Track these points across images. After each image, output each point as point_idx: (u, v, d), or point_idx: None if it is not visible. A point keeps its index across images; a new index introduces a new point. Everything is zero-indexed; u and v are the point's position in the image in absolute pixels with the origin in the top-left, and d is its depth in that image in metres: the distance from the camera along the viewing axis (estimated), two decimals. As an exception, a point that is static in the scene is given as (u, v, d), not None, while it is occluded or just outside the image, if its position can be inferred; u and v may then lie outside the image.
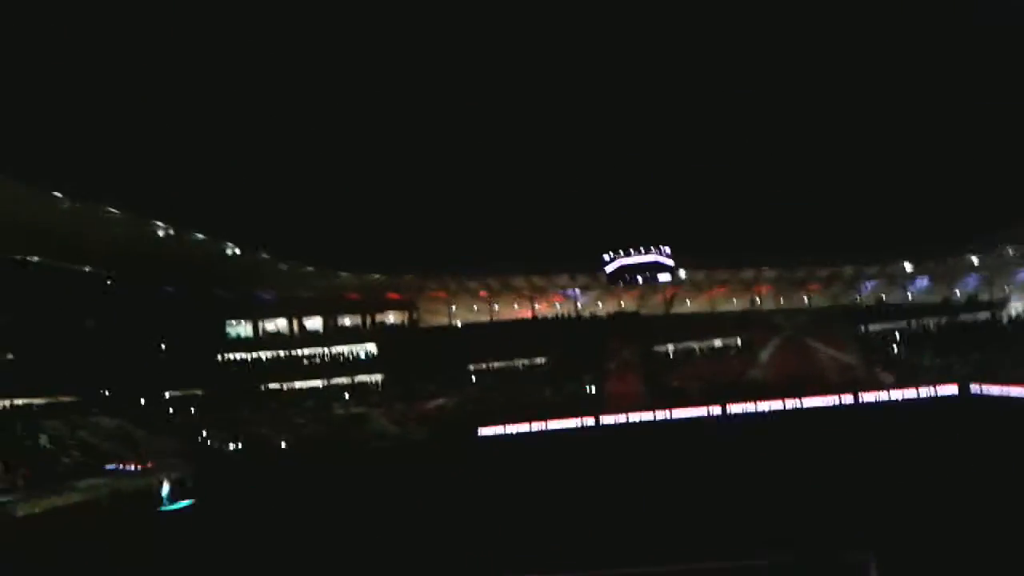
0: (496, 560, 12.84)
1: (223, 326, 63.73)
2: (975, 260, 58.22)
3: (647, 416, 50.86)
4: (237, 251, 56.59)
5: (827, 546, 10.06)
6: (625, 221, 68.73)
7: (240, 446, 45.42)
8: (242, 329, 64.85)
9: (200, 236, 51.80)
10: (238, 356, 61.65)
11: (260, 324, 64.89)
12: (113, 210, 43.82)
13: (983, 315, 59.44)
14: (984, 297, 61.12)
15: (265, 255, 58.91)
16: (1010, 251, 56.97)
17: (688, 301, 68.75)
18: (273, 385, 58.37)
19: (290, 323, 65.33)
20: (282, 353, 62.58)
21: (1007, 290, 60.67)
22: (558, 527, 16.23)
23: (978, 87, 65.99)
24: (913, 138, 69.09)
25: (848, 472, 21.34)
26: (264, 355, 62.24)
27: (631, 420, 50.50)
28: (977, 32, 63.43)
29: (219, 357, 60.66)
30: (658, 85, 78.18)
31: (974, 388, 46.99)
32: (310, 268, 61.87)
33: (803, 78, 75.15)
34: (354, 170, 73.74)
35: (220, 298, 62.53)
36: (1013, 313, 60.26)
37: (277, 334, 65.19)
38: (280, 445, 46.06)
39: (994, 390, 44.31)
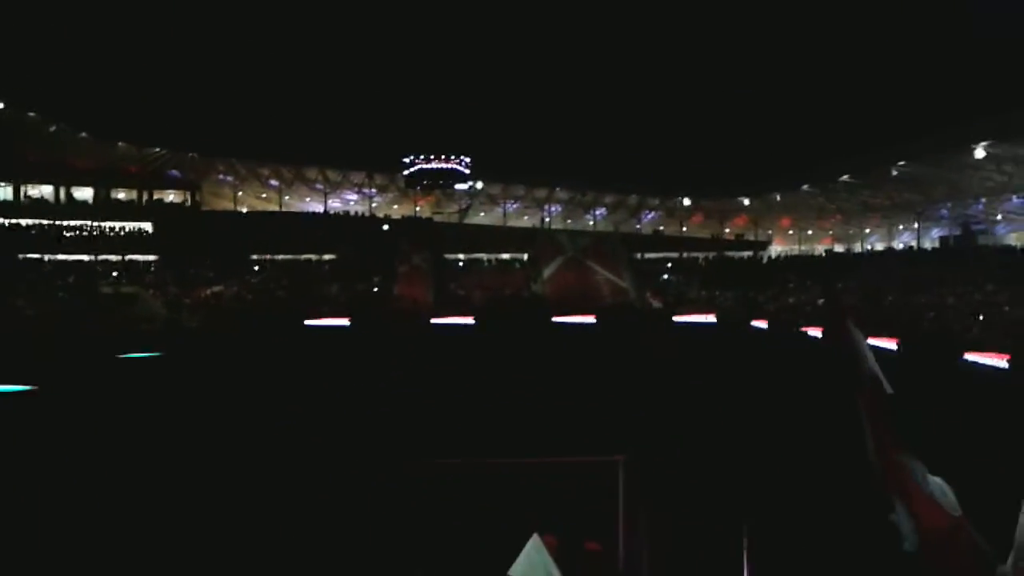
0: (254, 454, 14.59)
1: None
2: (745, 202, 76.31)
3: (432, 320, 61.54)
4: (1, 105, 63.42)
5: (583, 449, 11.61)
6: (428, 127, 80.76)
7: None
8: (1, 192, 68.76)
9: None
10: None
11: (22, 188, 69.22)
12: None
13: (747, 253, 77.97)
14: (750, 237, 79.67)
15: (33, 113, 65.79)
16: (777, 197, 75.35)
17: (482, 213, 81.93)
18: (33, 256, 64.03)
19: (56, 191, 70.11)
20: (45, 222, 67.92)
21: (770, 233, 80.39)
22: (318, 419, 19.20)
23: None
24: (706, 87, 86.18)
25: (610, 383, 26.31)
26: (25, 222, 67.46)
27: (416, 323, 58.89)
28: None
29: None
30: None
31: (730, 319, 64.18)
32: (84, 134, 67.47)
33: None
34: (146, 30, 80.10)
35: None
36: (773, 254, 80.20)
37: (41, 200, 70.07)
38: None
39: (748, 322, 61.56)
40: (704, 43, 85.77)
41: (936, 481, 2.27)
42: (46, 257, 65.37)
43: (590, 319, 62.48)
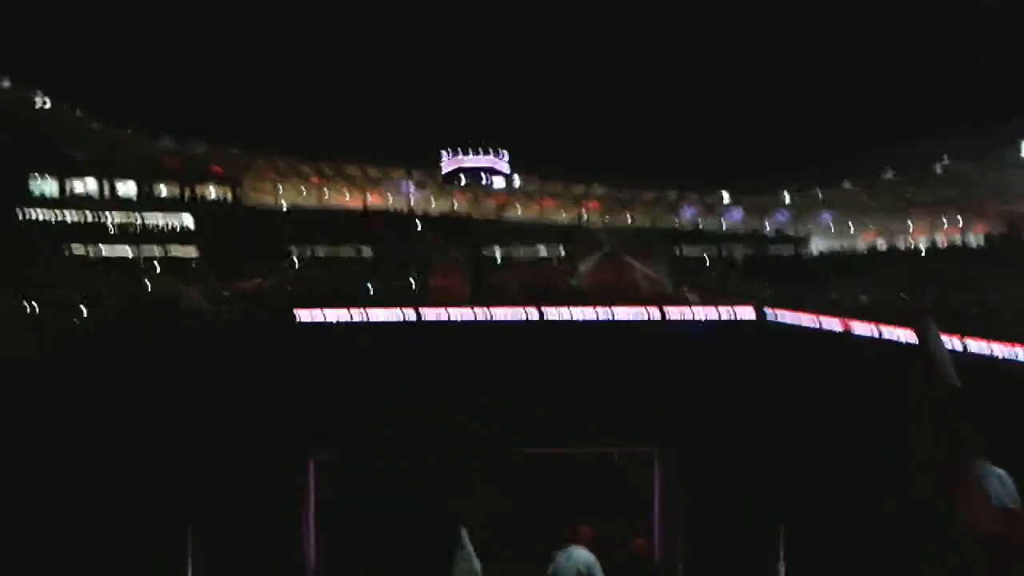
0: (310, 446, 14.77)
1: (25, 180, 68.56)
2: (786, 197, 75.56)
3: (467, 314, 62.18)
4: (47, 103, 65.15)
5: (618, 442, 11.39)
6: (467, 123, 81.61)
7: (35, 309, 50.59)
8: (47, 187, 70.14)
9: (6, 83, 59.78)
10: (40, 214, 67.70)
11: (68, 183, 70.36)
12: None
13: (787, 249, 77.45)
14: (790, 233, 78.82)
15: (79, 111, 67.49)
16: (819, 193, 74.51)
17: (519, 208, 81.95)
18: (77, 248, 65.88)
19: (100, 185, 71.27)
20: (90, 216, 69.24)
21: (810, 228, 79.47)
22: (373, 414, 19.07)
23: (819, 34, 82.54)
24: (746, 81, 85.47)
25: (646, 377, 26.21)
26: (70, 216, 68.62)
27: (452, 316, 60.94)
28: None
29: (20, 214, 66.56)
30: None
31: (769, 313, 63.81)
32: (128, 131, 69.48)
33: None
34: (189, 30, 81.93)
35: (24, 151, 66.26)
36: (813, 250, 79.26)
37: (86, 196, 70.81)
38: (81, 311, 51.76)
39: (787, 316, 61.30)
40: (746, 38, 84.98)
41: (997, 472, 2.29)
42: (90, 250, 66.83)
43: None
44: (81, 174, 71.20)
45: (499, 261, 75.48)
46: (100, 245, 67.12)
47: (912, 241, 69.98)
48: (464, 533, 7.38)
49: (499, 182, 76.65)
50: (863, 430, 16.43)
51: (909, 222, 70.06)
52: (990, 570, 2.21)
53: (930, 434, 2.34)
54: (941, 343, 2.39)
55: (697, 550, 9.54)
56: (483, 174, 76.29)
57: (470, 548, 7.20)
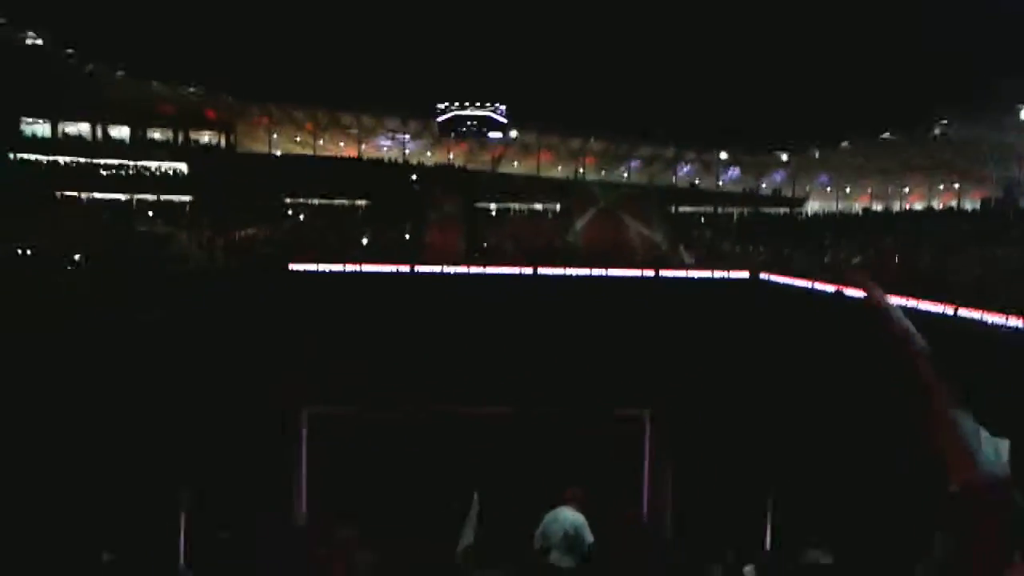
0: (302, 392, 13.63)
1: (16, 123, 68.18)
2: (784, 157, 75.29)
3: (462, 269, 62.17)
4: (39, 42, 63.98)
5: (610, 401, 11.61)
6: (464, 74, 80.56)
7: (28, 253, 50.92)
8: (39, 129, 69.80)
9: (-2, 21, 57.99)
10: (32, 157, 67.23)
11: (60, 126, 69.99)
12: None
13: (783, 210, 77.26)
14: (787, 193, 78.72)
15: (70, 50, 66.26)
16: (816, 153, 74.24)
17: (516, 162, 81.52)
18: (70, 193, 65.18)
19: (93, 129, 71.03)
20: (82, 160, 68.58)
21: (808, 189, 79.37)
22: (365, 367, 18.90)
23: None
24: (745, 41, 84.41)
25: (639, 339, 25.98)
26: (62, 160, 68.13)
27: (446, 271, 60.55)
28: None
29: (11, 156, 65.82)
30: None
31: (763, 276, 63.96)
32: (120, 73, 68.41)
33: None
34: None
35: (14, 91, 64.31)
36: (810, 211, 79.20)
37: (79, 139, 70.77)
38: (74, 258, 51.97)
39: (780, 280, 61.37)
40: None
41: (991, 439, 2.24)
42: (82, 195, 66.38)
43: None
44: (73, 117, 70.49)
45: (494, 215, 75.20)
46: (92, 191, 66.49)
47: (908, 204, 69.99)
48: (476, 499, 7.40)
49: (495, 134, 75.72)
50: (854, 392, 16.55)
51: (905, 188, 70.06)
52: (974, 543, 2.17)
53: (912, 395, 2.29)
54: (898, 314, 2.33)
55: (686, 511, 9.62)
56: (480, 125, 75.26)
57: (474, 518, 7.21)
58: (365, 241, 66.50)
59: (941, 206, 66.01)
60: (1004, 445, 2.21)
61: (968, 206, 62.46)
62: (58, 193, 64.38)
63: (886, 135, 58.48)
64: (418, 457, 10.95)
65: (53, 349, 22.16)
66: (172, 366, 19.42)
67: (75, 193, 65.98)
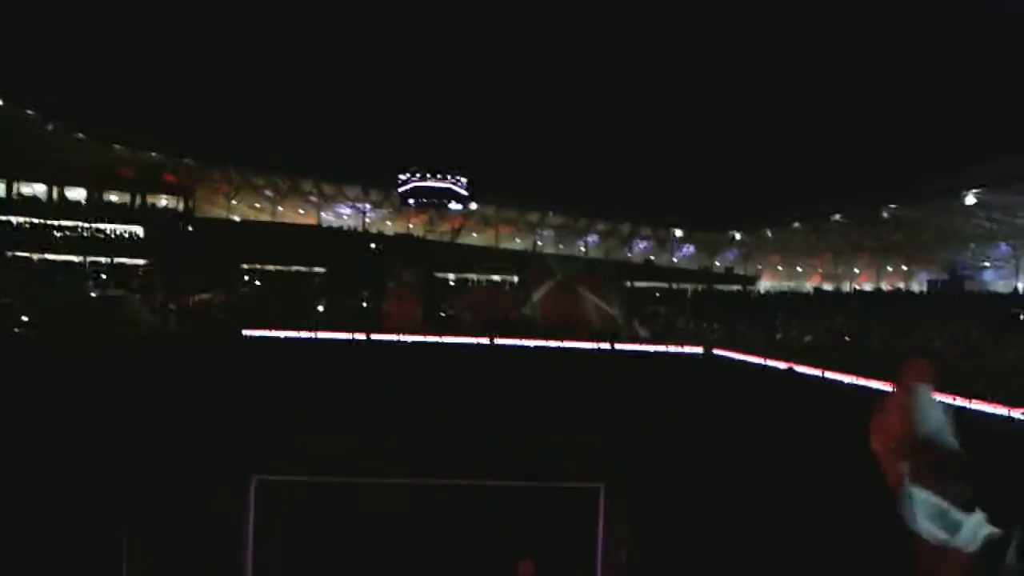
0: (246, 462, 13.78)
1: None
2: (737, 236, 76.87)
3: (419, 338, 64.86)
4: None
5: (564, 474, 11.28)
6: (425, 145, 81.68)
7: None
8: None
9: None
10: None
11: (15, 185, 68.97)
12: None
13: (736, 287, 78.37)
14: (740, 271, 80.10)
15: (30, 111, 65.96)
16: (768, 233, 75.88)
17: (474, 234, 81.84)
18: (22, 254, 63.77)
19: (49, 190, 70.05)
20: (37, 221, 67.84)
21: (759, 268, 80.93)
22: (317, 433, 18.59)
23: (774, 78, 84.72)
24: (702, 122, 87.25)
25: (594, 412, 26.19)
26: (15, 220, 67.36)
27: (403, 340, 60.02)
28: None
29: None
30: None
31: (717, 352, 64.55)
32: (80, 135, 69.04)
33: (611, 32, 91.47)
34: (146, 35, 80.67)
35: None
36: (761, 289, 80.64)
37: (33, 198, 69.82)
38: (21, 317, 50.23)
39: (733, 356, 61.86)
40: (702, 78, 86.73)
41: (976, 520, 2.25)
42: (35, 256, 65.23)
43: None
44: (30, 178, 69.89)
45: (452, 285, 75.47)
46: (45, 252, 65.54)
47: (857, 285, 71.59)
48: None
49: (455, 206, 76.49)
50: (808, 465, 16.63)
51: (855, 269, 71.76)
52: None
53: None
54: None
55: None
56: (440, 196, 75.99)
57: None
58: (321, 308, 66.01)
59: (889, 287, 67.64)
60: (984, 527, 2.25)
61: (915, 288, 64.14)
62: (9, 253, 63.14)
63: (836, 217, 60.05)
64: (367, 528, 10.73)
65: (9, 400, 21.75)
66: (121, 427, 18.99)
67: (28, 254, 64.79)
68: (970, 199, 47.44)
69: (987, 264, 59.41)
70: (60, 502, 12.50)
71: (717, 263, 79.32)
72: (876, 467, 2.35)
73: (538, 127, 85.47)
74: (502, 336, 63.87)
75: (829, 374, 44.77)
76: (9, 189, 69.55)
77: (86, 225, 69.97)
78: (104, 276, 64.35)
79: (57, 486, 13.53)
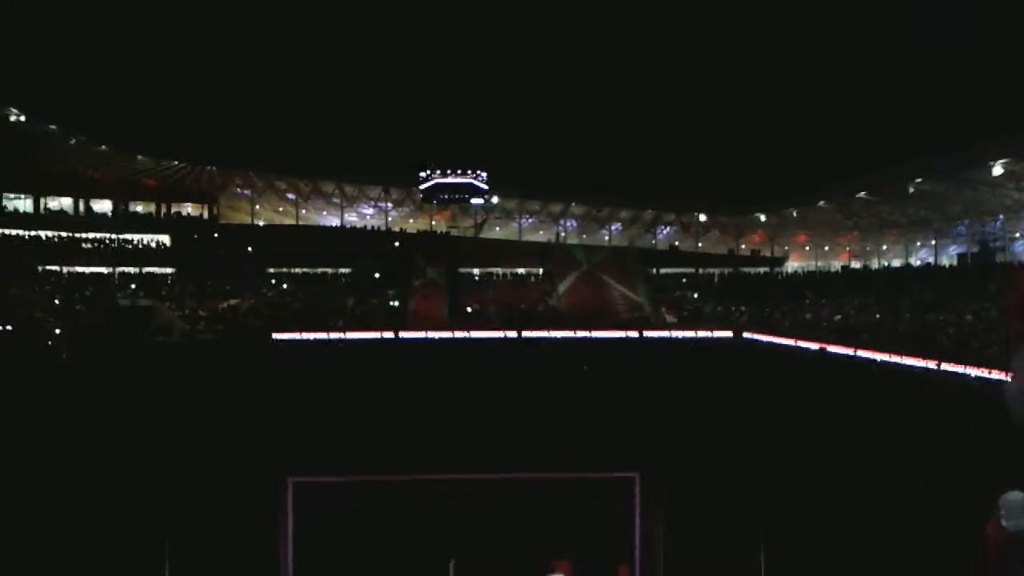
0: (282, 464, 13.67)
1: None
2: (762, 218, 76.09)
3: (446, 335, 62.49)
4: (22, 118, 64.13)
5: (598, 465, 11.31)
6: (445, 142, 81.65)
7: (8, 328, 50.43)
8: (21, 204, 69.68)
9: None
10: (14, 233, 66.78)
11: (42, 200, 70.03)
12: None
13: (763, 269, 77.50)
14: (766, 253, 79.02)
15: (52, 126, 66.49)
16: (793, 213, 75.04)
17: (497, 228, 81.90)
18: (52, 267, 64.84)
19: (76, 203, 71.11)
20: (65, 234, 68.81)
21: (786, 249, 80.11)
22: (349, 433, 19.00)
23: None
24: (724, 102, 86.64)
25: (627, 398, 26.20)
26: (44, 234, 68.13)
27: (431, 337, 61.40)
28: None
29: None
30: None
31: (747, 335, 64.14)
32: (104, 147, 70.46)
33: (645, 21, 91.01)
34: (167, 45, 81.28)
35: None
36: (788, 270, 79.93)
37: (60, 212, 70.80)
38: (55, 331, 51.72)
39: (763, 339, 61.61)
40: (723, 60, 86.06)
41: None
42: (64, 269, 66.12)
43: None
44: (56, 192, 70.69)
45: (477, 280, 75.56)
46: (75, 265, 66.44)
47: (886, 262, 70.76)
48: (452, 566, 7.30)
49: (477, 201, 76.46)
50: (839, 445, 16.48)
51: (883, 245, 70.89)
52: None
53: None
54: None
55: (679, 570, 9.49)
56: (462, 192, 75.98)
57: None
58: (348, 308, 66.50)
59: (918, 263, 66.74)
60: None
61: (945, 262, 63.18)
62: (40, 267, 64.24)
63: (862, 194, 59.25)
64: (401, 524, 10.77)
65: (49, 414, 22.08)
66: (159, 434, 19.37)
67: (57, 267, 65.79)
68: (997, 169, 46.55)
69: (1017, 235, 58.34)
70: (105, 507, 12.70)
71: (743, 246, 78.64)
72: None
73: (556, 118, 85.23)
74: (528, 329, 64.09)
75: (861, 352, 44.43)
76: (36, 205, 70.49)
77: (113, 236, 70.89)
78: (133, 286, 65.29)
79: (102, 491, 13.76)
